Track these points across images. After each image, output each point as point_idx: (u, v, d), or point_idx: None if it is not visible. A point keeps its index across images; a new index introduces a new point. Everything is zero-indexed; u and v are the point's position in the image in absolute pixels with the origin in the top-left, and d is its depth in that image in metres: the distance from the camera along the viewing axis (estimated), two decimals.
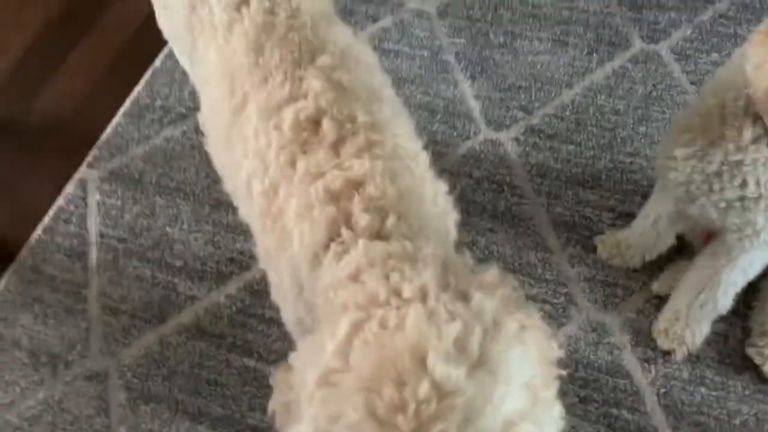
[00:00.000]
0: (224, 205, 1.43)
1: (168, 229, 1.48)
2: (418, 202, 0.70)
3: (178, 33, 0.99)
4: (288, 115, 0.73)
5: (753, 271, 1.08)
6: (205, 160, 1.07)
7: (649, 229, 1.23)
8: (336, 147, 0.71)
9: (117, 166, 1.58)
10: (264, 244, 0.78)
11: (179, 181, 1.54)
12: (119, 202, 1.52)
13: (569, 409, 0.62)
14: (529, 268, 1.34)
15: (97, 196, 1.54)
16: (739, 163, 0.88)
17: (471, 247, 1.35)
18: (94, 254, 1.46)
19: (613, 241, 1.32)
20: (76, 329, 1.36)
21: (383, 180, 0.67)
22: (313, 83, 0.75)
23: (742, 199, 0.92)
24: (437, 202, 0.75)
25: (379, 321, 0.50)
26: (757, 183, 0.88)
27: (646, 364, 1.22)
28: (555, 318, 1.27)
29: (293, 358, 0.58)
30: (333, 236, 0.65)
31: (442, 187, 0.77)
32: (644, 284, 1.31)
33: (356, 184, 0.67)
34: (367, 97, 0.77)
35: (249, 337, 1.31)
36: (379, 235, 0.64)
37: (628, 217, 1.34)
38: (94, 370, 1.31)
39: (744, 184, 0.89)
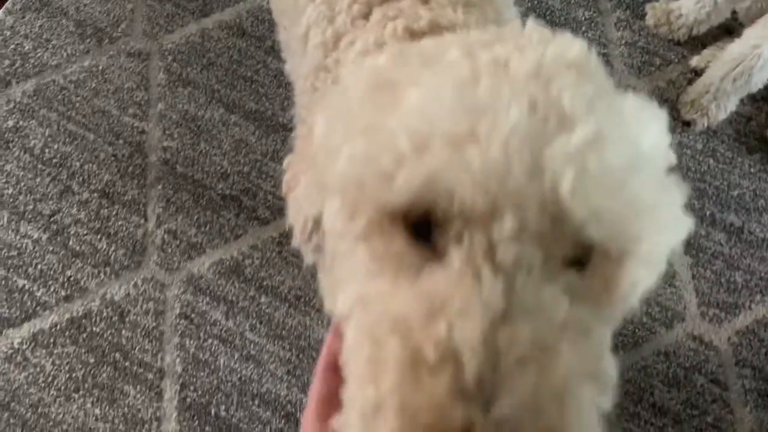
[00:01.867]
0: None
1: None
2: None
3: None
4: None
5: None
6: None
7: None
8: None
9: None
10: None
11: None
12: None
13: None
14: (574, 24, 1.34)
15: None
16: None
17: None
18: None
19: (665, 8, 1.30)
20: (122, 9, 1.39)
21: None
22: None
23: None
24: None
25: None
26: None
27: None
28: None
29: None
30: None
31: None
32: (683, 57, 1.31)
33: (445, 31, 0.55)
34: None
35: None
36: None
37: None
38: (138, 49, 1.36)
39: None
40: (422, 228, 0.39)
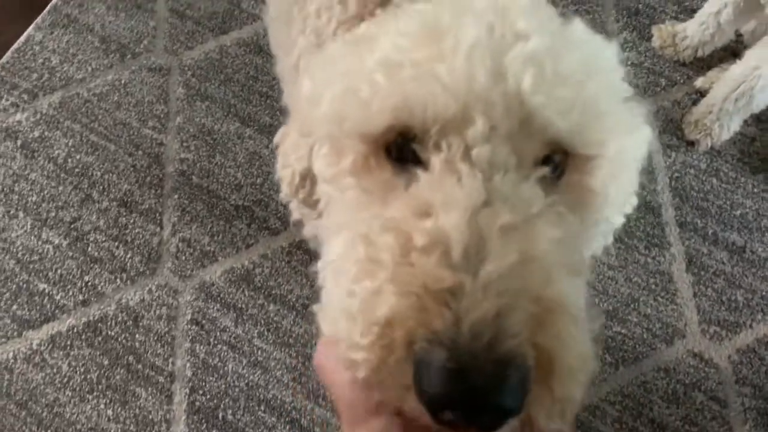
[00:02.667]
0: None
1: None
2: None
3: None
4: None
5: None
6: None
7: (711, 19, 1.23)
8: None
9: None
10: None
11: None
12: None
13: None
14: None
15: None
16: None
17: None
18: None
19: (670, 30, 1.32)
20: (144, 26, 1.45)
21: None
22: None
23: None
24: None
25: None
26: None
27: (668, 150, 1.29)
28: None
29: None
30: None
31: None
32: (688, 78, 1.33)
33: None
34: None
35: None
36: None
37: (693, 13, 1.33)
38: (159, 64, 1.41)
39: None
40: (404, 155, 0.43)
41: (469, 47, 0.40)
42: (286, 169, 0.56)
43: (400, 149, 0.43)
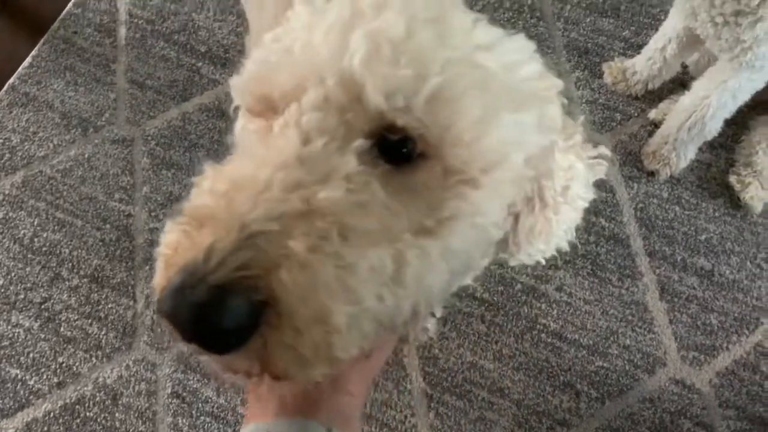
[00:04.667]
0: None
1: (194, 15, 1.52)
2: None
3: None
4: None
5: (742, 97, 1.14)
6: None
7: (657, 55, 1.28)
8: None
9: None
10: None
11: None
12: None
13: None
14: None
15: None
16: None
17: None
18: (123, 32, 1.52)
19: (620, 67, 1.37)
20: (105, 98, 1.45)
21: None
22: None
23: (736, 14, 0.97)
24: None
25: None
26: None
27: (630, 182, 1.32)
28: None
29: None
30: None
31: None
32: (642, 111, 1.38)
33: None
34: None
35: None
36: None
37: (640, 48, 1.38)
38: (122, 136, 1.41)
39: None
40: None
41: (329, 25, 0.44)
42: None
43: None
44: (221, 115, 1.43)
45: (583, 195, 0.59)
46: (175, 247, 0.40)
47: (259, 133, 0.48)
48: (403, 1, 0.45)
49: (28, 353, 1.21)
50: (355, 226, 0.40)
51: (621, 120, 1.38)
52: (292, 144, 0.42)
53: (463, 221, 0.45)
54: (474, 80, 0.44)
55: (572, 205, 0.57)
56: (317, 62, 0.43)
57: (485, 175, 0.44)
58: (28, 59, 1.50)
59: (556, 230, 0.56)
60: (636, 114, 1.38)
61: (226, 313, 0.36)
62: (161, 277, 0.40)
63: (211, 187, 0.42)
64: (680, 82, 1.38)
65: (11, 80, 1.48)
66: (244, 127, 0.53)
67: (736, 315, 1.21)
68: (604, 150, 0.64)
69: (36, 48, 1.51)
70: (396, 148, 0.43)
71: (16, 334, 1.23)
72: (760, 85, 1.12)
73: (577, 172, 0.56)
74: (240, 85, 0.50)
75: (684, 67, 1.36)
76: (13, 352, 1.21)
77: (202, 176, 0.44)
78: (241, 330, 0.37)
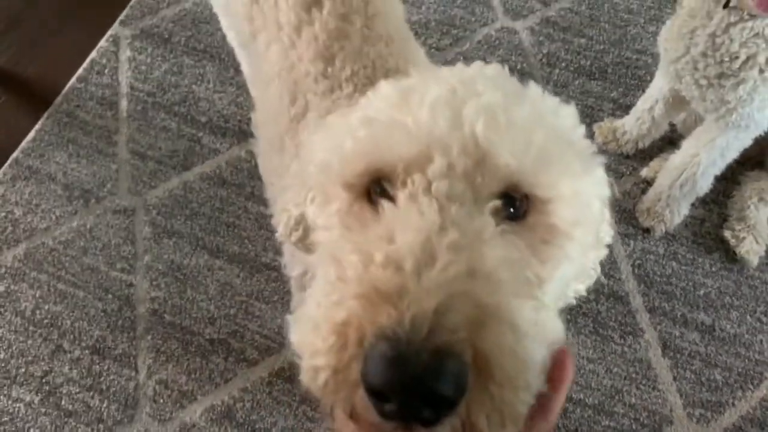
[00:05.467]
0: None
1: (194, 87, 1.57)
2: None
3: (234, 14, 0.94)
4: None
5: (730, 154, 1.17)
6: None
7: (646, 115, 1.32)
8: None
9: (148, 25, 1.66)
10: None
11: (206, 44, 1.62)
12: (149, 59, 1.61)
13: None
14: None
15: (128, 52, 1.63)
16: (720, 43, 0.98)
17: None
18: (124, 104, 1.56)
19: (610, 127, 1.41)
20: (107, 169, 1.48)
21: None
22: None
23: (719, 76, 1.01)
24: None
25: None
26: (735, 58, 0.97)
27: (626, 239, 1.34)
28: None
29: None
30: None
31: None
32: (634, 170, 1.41)
33: None
34: None
35: None
36: None
37: (628, 109, 1.42)
38: (123, 206, 1.43)
39: (723, 60, 0.98)
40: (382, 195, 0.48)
41: (432, 101, 0.47)
42: (283, 213, 0.62)
43: (377, 191, 0.49)
44: (222, 182, 1.45)
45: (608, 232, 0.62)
46: (348, 318, 0.39)
47: (353, 209, 0.49)
48: (484, 78, 0.50)
49: (29, 429, 1.20)
50: (510, 281, 0.42)
51: (614, 178, 1.39)
52: (433, 209, 0.43)
53: (561, 271, 0.48)
54: (560, 143, 0.48)
55: (601, 243, 0.59)
56: (438, 133, 0.46)
57: (576, 227, 0.48)
58: (32, 133, 1.53)
59: (589, 270, 0.59)
60: (628, 172, 1.41)
61: (444, 378, 0.36)
62: (334, 351, 0.39)
63: (362, 260, 0.42)
64: (669, 140, 1.42)
65: (15, 154, 1.50)
66: (318, 209, 0.53)
67: (739, 370, 1.21)
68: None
69: (39, 122, 1.54)
70: (510, 207, 0.47)
71: (16, 409, 1.21)
72: (747, 143, 1.16)
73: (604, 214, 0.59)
74: (322, 165, 0.51)
75: (672, 125, 1.40)
76: (14, 428, 1.20)
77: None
78: (456, 395, 0.36)
